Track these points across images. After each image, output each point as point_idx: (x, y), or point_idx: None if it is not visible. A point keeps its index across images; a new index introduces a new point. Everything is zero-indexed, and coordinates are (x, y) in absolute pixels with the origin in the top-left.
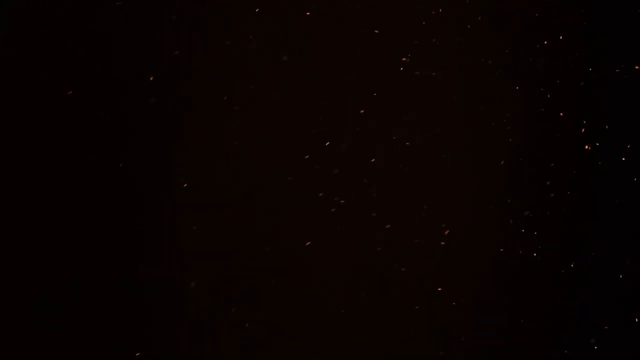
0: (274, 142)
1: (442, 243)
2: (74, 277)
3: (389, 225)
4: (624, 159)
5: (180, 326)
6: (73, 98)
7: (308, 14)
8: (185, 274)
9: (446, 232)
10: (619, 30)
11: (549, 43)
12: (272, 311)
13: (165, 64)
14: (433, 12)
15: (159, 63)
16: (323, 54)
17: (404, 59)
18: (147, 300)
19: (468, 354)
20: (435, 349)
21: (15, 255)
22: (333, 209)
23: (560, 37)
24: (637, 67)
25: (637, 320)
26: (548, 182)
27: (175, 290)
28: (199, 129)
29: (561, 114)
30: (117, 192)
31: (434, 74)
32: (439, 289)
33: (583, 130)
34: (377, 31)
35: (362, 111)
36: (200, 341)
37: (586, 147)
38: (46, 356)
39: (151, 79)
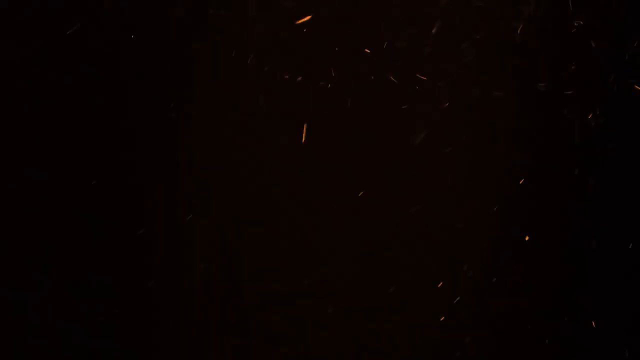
0: (275, 142)
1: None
2: (71, 277)
3: (390, 224)
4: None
5: (181, 326)
6: (70, 98)
7: (309, 17)
8: (187, 273)
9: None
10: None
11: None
12: (274, 312)
13: (165, 63)
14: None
15: (160, 63)
16: (324, 57)
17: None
18: (146, 299)
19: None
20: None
21: (14, 255)
22: (334, 209)
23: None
24: None
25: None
26: (552, 181)
27: (176, 289)
28: (199, 127)
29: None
30: (116, 191)
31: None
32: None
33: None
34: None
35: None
36: (201, 342)
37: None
38: (44, 356)
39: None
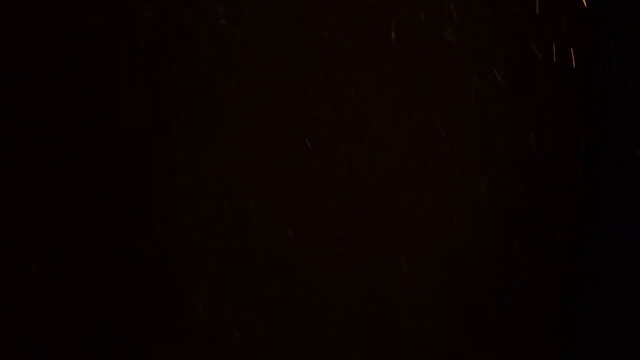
0: (273, 141)
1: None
2: (69, 278)
3: (388, 226)
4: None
5: (177, 328)
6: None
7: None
8: (182, 276)
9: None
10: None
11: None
12: (270, 314)
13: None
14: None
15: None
16: (321, 51)
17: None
18: (143, 302)
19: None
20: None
21: (8, 256)
22: (332, 212)
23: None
24: None
25: None
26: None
27: (172, 292)
28: (195, 127)
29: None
30: (110, 191)
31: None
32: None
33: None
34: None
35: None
36: (197, 344)
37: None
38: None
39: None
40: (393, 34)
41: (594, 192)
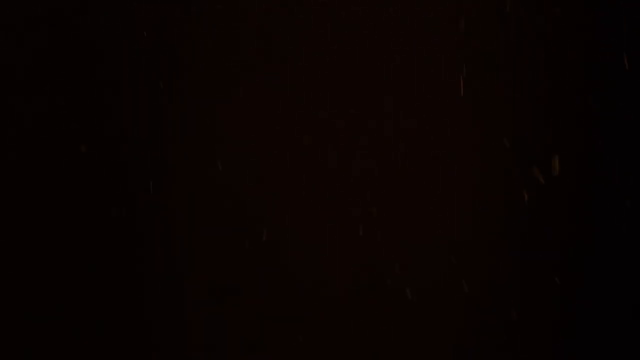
0: (273, 138)
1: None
2: (70, 279)
3: (388, 228)
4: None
5: (178, 330)
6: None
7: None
8: (183, 278)
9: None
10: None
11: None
12: (269, 316)
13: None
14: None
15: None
16: (321, 51)
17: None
18: (145, 303)
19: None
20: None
21: (10, 257)
22: (332, 213)
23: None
24: None
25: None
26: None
27: (174, 294)
28: (195, 127)
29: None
30: (112, 193)
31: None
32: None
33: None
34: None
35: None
36: (197, 344)
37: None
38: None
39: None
40: (391, 35)
41: (594, 193)
